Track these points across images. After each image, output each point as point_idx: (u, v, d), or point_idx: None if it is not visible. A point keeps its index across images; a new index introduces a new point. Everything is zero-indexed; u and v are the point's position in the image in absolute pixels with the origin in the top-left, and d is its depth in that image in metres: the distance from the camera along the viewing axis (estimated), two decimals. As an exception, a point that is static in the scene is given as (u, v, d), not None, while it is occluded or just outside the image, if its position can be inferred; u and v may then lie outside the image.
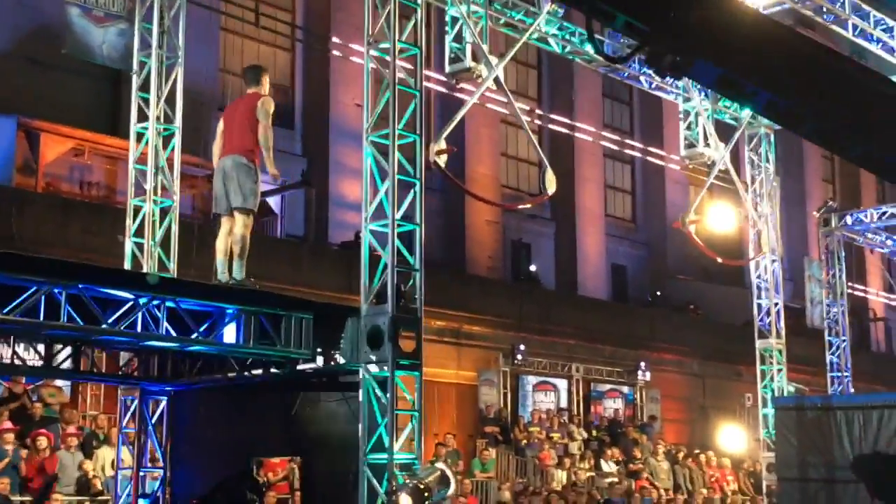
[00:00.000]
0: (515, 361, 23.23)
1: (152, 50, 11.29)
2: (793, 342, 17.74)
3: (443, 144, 11.19)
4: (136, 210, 11.33)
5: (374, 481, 8.95)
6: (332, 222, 24.88)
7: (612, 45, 14.63)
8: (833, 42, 16.56)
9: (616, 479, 20.94)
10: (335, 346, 9.26)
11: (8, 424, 14.12)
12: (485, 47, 12.33)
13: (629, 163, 34.91)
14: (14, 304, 7.64)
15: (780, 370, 17.01)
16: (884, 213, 21.68)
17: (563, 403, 24.33)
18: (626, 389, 25.80)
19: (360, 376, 9.10)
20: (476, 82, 12.59)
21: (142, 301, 8.21)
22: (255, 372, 10.06)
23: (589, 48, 14.27)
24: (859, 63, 6.41)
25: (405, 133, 9.55)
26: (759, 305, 17.23)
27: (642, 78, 15.75)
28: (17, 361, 10.58)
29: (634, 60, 14.68)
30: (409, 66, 9.82)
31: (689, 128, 15.72)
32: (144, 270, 10.93)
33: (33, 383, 15.39)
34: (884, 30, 15.72)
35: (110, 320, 8.06)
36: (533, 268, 29.87)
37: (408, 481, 8.57)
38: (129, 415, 11.38)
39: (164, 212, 11.33)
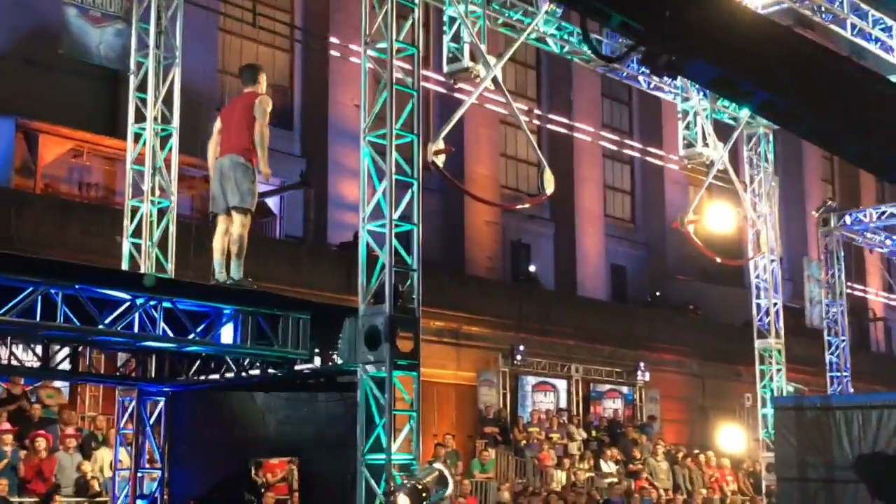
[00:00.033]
0: (515, 362, 23.22)
1: (149, 50, 11.28)
2: (792, 342, 17.73)
3: (441, 144, 11.16)
4: (134, 211, 11.32)
5: (372, 482, 8.93)
6: (330, 223, 24.87)
7: (610, 45, 14.62)
8: (832, 42, 16.55)
9: (615, 480, 20.93)
10: (333, 347, 9.25)
11: (6, 426, 14.11)
12: (483, 47, 12.31)
13: (628, 163, 34.91)
14: (10, 304, 7.63)
15: (779, 370, 17.01)
16: (883, 213, 21.67)
17: (563, 404, 24.32)
18: (625, 390, 25.78)
19: (358, 377, 9.09)
20: (474, 82, 12.57)
21: (139, 301, 8.20)
22: (252, 372, 10.04)
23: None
24: (858, 63, 6.40)
25: (403, 133, 9.54)
26: (759, 305, 17.22)
27: (641, 78, 15.73)
28: (14, 362, 10.57)
29: (632, 60, 14.67)
30: (406, 65, 9.81)
31: (687, 127, 15.69)
32: (142, 271, 10.92)
33: (32, 384, 15.38)
34: (882, 29, 15.70)
35: (107, 321, 8.04)
36: (532, 268, 29.87)
37: (406, 482, 8.55)
38: (126, 416, 11.36)
39: (162, 212, 11.32)
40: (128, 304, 8.15)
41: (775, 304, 17.13)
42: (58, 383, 15.60)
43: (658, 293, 32.20)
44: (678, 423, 26.99)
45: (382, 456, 8.92)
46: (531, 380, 24.05)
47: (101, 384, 15.32)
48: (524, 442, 21.54)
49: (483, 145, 29.03)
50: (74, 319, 7.88)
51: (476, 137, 28.59)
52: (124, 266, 11.01)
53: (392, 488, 8.66)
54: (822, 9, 15.09)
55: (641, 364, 25.67)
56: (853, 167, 31.59)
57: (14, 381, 14.85)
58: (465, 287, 24.06)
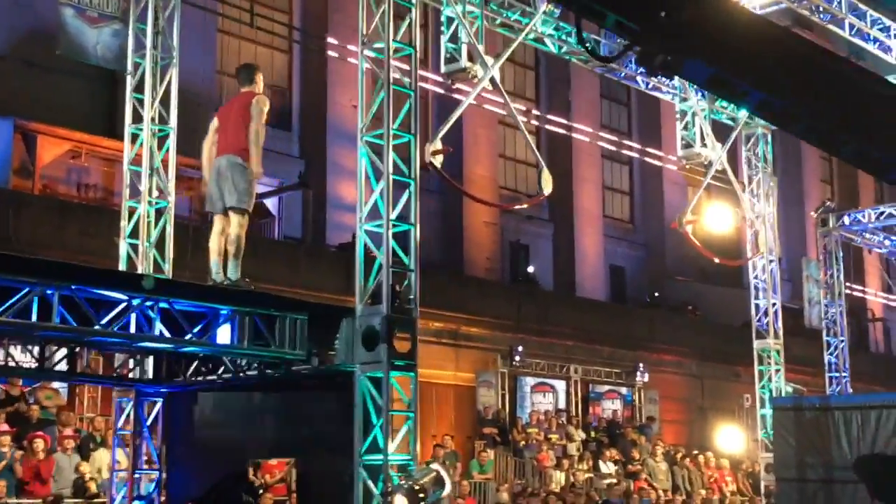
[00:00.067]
0: (513, 363, 23.21)
1: (147, 51, 11.26)
2: (791, 342, 17.72)
3: (438, 145, 11.17)
4: (131, 211, 11.30)
5: (370, 482, 8.92)
6: (329, 224, 24.86)
7: (608, 46, 14.61)
8: (830, 43, 16.55)
9: (614, 480, 20.92)
10: (330, 347, 9.24)
11: (5, 427, 14.09)
12: (480, 47, 12.31)
13: (627, 164, 34.91)
14: (6, 305, 7.60)
15: (777, 371, 17.00)
16: (882, 214, 21.68)
17: (562, 404, 24.30)
18: (624, 390, 25.77)
19: (355, 377, 9.07)
20: (472, 82, 12.57)
21: (135, 302, 8.18)
22: (250, 373, 10.02)
23: (593, 50, 14.26)
24: (855, 63, 6.39)
25: (400, 133, 9.53)
26: (757, 306, 17.22)
27: (639, 78, 15.72)
28: (11, 364, 10.56)
29: (630, 60, 14.66)
30: (404, 66, 9.80)
31: (685, 128, 15.70)
32: (139, 272, 10.90)
33: (30, 385, 15.37)
34: (881, 29, 15.71)
35: (104, 321, 8.02)
36: (531, 269, 29.86)
37: (403, 482, 8.54)
38: (124, 417, 11.34)
39: (160, 213, 11.30)
40: (124, 304, 8.13)
41: (774, 305, 17.13)
42: (56, 384, 15.59)
43: (657, 294, 32.21)
44: (677, 424, 26.98)
45: (380, 456, 8.91)
46: (530, 380, 24.03)
47: (99, 385, 15.30)
48: (523, 443, 21.53)
49: (482, 146, 29.03)
50: (71, 320, 7.86)
51: (475, 138, 28.59)
52: (122, 267, 10.99)
53: (389, 489, 8.65)
54: (821, 9, 15.09)
55: (640, 365, 25.66)
56: (852, 168, 31.58)
57: (12, 382, 14.84)
58: (464, 288, 24.05)
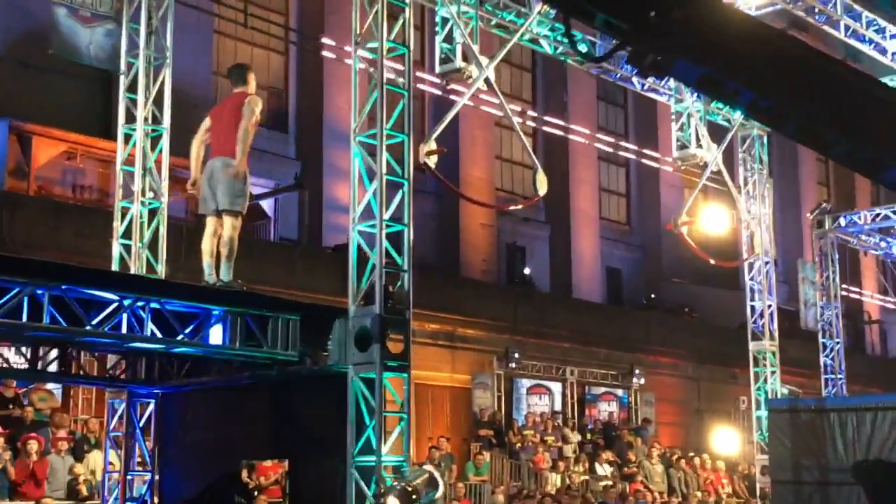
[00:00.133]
0: (510, 364, 23.18)
1: (140, 51, 11.23)
2: (787, 345, 17.74)
3: (433, 145, 11.15)
4: (124, 212, 11.27)
5: (362, 484, 8.89)
6: (325, 225, 24.82)
7: (604, 47, 14.60)
8: (826, 45, 16.54)
9: (610, 483, 20.88)
10: (323, 348, 9.21)
11: (-2, 429, 14.06)
12: (475, 48, 12.30)
13: (623, 166, 34.90)
14: (-3, 305, 7.59)
15: (773, 372, 16.98)
16: (877, 216, 21.68)
17: (558, 406, 24.26)
18: (620, 392, 25.74)
19: (348, 378, 9.04)
20: (467, 83, 12.56)
21: (126, 302, 8.15)
22: (243, 374, 9.99)
23: (580, 48, 14.25)
24: (849, 66, 6.37)
25: (393, 133, 9.51)
26: (753, 307, 17.21)
27: (635, 79, 15.71)
28: (3, 365, 10.52)
29: (626, 61, 14.63)
30: (397, 65, 9.79)
31: (681, 129, 15.70)
32: (132, 272, 10.87)
33: (25, 387, 15.32)
34: (876, 30, 15.69)
35: (94, 322, 7.99)
36: (527, 271, 29.84)
37: (395, 484, 8.51)
38: (116, 418, 11.30)
39: (153, 213, 11.27)
40: (115, 304, 8.10)
41: (770, 307, 17.12)
42: (50, 386, 15.54)
43: (653, 296, 32.19)
44: (673, 426, 26.95)
45: (373, 458, 8.88)
46: (526, 382, 24.00)
47: (91, 386, 15.25)
48: (519, 445, 21.50)
49: (478, 147, 29.02)
50: (61, 320, 7.83)
51: (471, 140, 28.58)
52: (114, 268, 10.96)
53: (382, 490, 8.62)
54: (816, 10, 15.08)
55: (637, 367, 25.64)
56: (849, 170, 31.58)
57: (6, 384, 14.79)
58: (460, 289, 24.01)
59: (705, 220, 16.31)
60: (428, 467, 9.16)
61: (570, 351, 24.87)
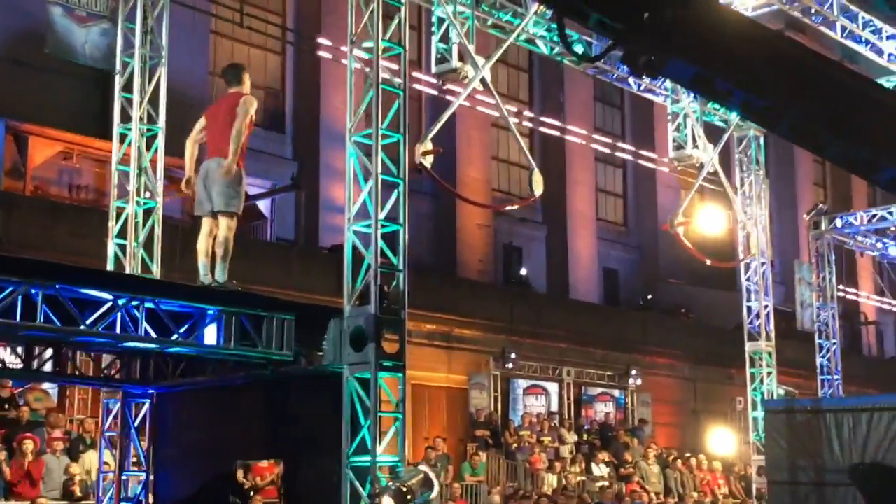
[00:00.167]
0: (506, 365, 23.17)
1: (135, 50, 11.21)
2: (783, 345, 17.73)
3: (429, 145, 11.13)
4: (120, 211, 11.25)
5: (357, 484, 8.88)
6: (322, 226, 24.80)
7: (600, 47, 14.58)
8: (823, 46, 16.55)
9: (607, 483, 20.89)
10: (318, 348, 9.19)
11: (-7, 429, 14.04)
12: (471, 48, 12.28)
13: (620, 166, 34.92)
14: (-10, 304, 7.57)
15: (769, 373, 16.98)
16: (874, 216, 21.68)
17: (554, 407, 24.26)
18: (617, 393, 25.74)
19: (343, 378, 9.03)
20: (463, 83, 12.55)
21: (120, 302, 8.13)
22: (238, 373, 9.97)
23: (576, 49, 14.24)
24: (845, 66, 6.37)
25: (389, 133, 9.50)
26: (749, 308, 17.20)
27: (631, 79, 15.70)
28: (-3, 364, 10.51)
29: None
30: (393, 65, 9.77)
31: (677, 129, 15.68)
32: (127, 272, 10.85)
33: (21, 387, 15.30)
34: (872, 31, 15.69)
35: (88, 321, 7.97)
36: (524, 271, 29.83)
37: (390, 484, 8.50)
38: (111, 418, 11.28)
39: (148, 213, 11.26)
40: (109, 304, 8.08)
41: (766, 307, 17.11)
42: (46, 386, 15.53)
43: (650, 296, 32.20)
44: (670, 427, 26.95)
45: (367, 458, 8.86)
46: (522, 383, 23.99)
47: (87, 386, 15.23)
48: (515, 445, 21.49)
49: (475, 148, 29.02)
50: (55, 320, 7.81)
51: (468, 140, 28.58)
52: (110, 268, 10.94)
53: (377, 490, 8.60)
54: (812, 11, 15.08)
55: (633, 368, 25.63)
56: (846, 171, 31.59)
57: (2, 384, 14.77)
58: (457, 290, 24.00)
59: (701, 221, 16.30)
60: (423, 467, 9.14)
61: (566, 351, 24.87)
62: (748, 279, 17.30)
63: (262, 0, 24.87)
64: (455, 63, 12.33)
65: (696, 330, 29.14)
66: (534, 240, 31.66)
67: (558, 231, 31.69)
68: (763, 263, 17.24)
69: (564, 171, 31.28)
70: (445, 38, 12.45)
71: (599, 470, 21.55)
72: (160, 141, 11.33)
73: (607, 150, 32.33)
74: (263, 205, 24.68)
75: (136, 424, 11.11)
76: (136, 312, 8.21)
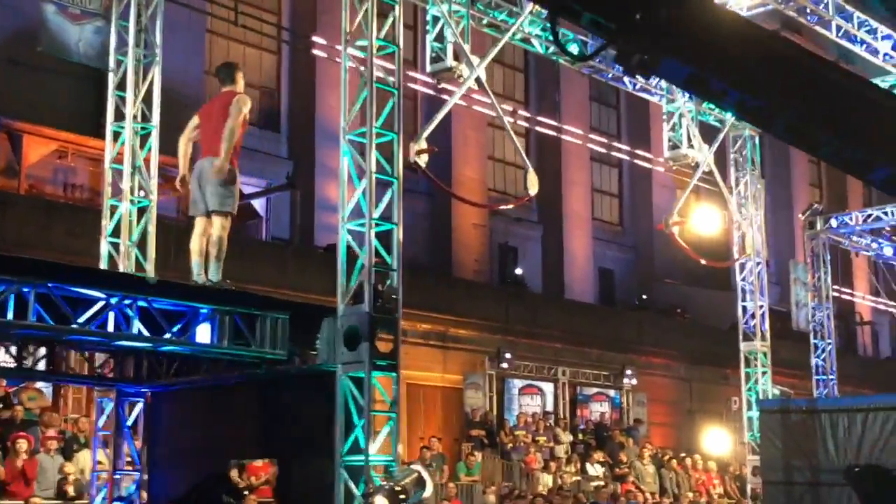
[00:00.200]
0: (501, 365, 23.15)
1: (129, 48, 11.17)
2: (779, 345, 17.72)
3: (423, 144, 11.13)
4: (113, 210, 11.22)
5: (351, 483, 8.86)
6: (317, 225, 24.78)
7: (595, 46, 14.57)
8: (819, 47, 16.53)
9: (602, 483, 20.88)
10: (312, 347, 9.17)
11: (-14, 428, 14.00)
12: (466, 47, 12.27)
13: (616, 166, 34.92)
14: (-19, 303, 7.54)
15: (764, 373, 16.98)
16: (869, 216, 21.67)
17: (549, 407, 24.25)
18: (612, 393, 25.73)
19: (337, 377, 9.01)
20: (458, 82, 12.53)
21: (113, 300, 8.10)
22: (232, 372, 9.95)
23: (570, 48, 14.24)
24: (841, 67, 6.36)
25: (383, 132, 9.48)
26: (744, 308, 17.20)
27: (626, 79, 15.70)
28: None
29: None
30: (387, 64, 9.76)
31: (673, 129, 15.68)
32: (121, 271, 10.82)
33: (15, 386, 15.26)
34: (868, 31, 15.70)
35: (81, 320, 7.94)
36: (519, 271, 29.82)
37: (384, 483, 8.49)
38: (105, 417, 11.25)
39: (142, 212, 11.22)
40: (102, 302, 8.05)
41: (761, 307, 17.11)
42: (40, 385, 15.49)
43: (645, 296, 32.20)
44: (665, 427, 26.94)
45: (361, 457, 8.85)
46: (518, 383, 23.98)
47: (79, 385, 15.20)
48: (511, 445, 21.47)
49: (471, 148, 29.01)
50: (48, 318, 7.78)
51: (464, 140, 28.56)
52: (103, 266, 10.90)
53: (370, 490, 8.59)
54: (808, 10, 15.08)
55: (628, 367, 25.63)
56: (841, 171, 31.59)
57: (-4, 383, 14.74)
58: (452, 290, 23.99)
59: (697, 221, 16.31)
60: (416, 467, 9.13)
61: (562, 351, 24.85)
62: (743, 279, 17.30)
63: (258, -1, 24.86)
64: (450, 62, 12.32)
65: (691, 330, 29.14)
66: (529, 239, 31.65)
67: (554, 231, 31.68)
68: (758, 263, 17.24)
69: (560, 171, 31.28)
70: (440, 37, 12.44)
71: (595, 470, 21.55)
72: (154, 140, 11.29)
73: (603, 150, 32.34)
74: (258, 204, 24.65)
75: (129, 423, 11.08)
76: (128, 311, 8.18)
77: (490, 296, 24.94)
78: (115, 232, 11.15)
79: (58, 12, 10.74)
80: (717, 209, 17.35)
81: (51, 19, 10.71)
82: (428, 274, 23.70)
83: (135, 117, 11.20)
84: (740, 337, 17.15)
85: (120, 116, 11.28)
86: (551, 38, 14.27)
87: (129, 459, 11.16)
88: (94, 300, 8.04)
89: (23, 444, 13.79)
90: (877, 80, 14.58)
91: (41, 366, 10.29)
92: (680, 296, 31.78)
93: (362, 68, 9.58)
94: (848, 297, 35.32)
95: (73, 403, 16.73)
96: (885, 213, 21.30)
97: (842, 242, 22.55)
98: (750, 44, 5.49)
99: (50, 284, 7.73)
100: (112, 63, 11.24)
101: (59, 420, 15.80)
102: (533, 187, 12.18)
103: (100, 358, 10.96)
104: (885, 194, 7.29)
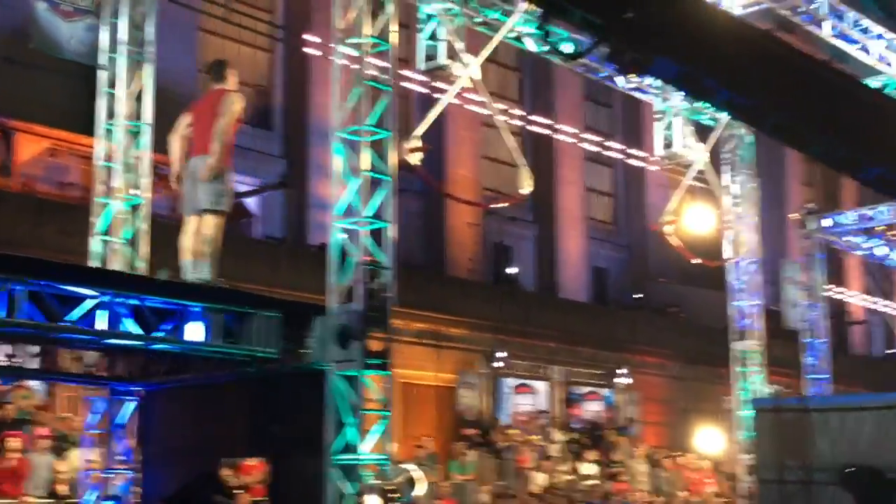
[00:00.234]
0: (495, 364, 23.15)
1: (121, 45, 11.13)
2: (772, 345, 17.72)
3: (417, 142, 11.12)
4: (102, 208, 11.18)
5: (342, 482, 8.84)
6: (311, 223, 24.77)
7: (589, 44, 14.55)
8: (813, 46, 16.54)
9: (595, 482, 20.88)
10: (303, 345, 9.15)
11: (-22, 427, 13.94)
12: (460, 45, 12.26)
13: (610, 165, 34.92)
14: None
15: (757, 372, 16.99)
16: (862, 216, 21.67)
17: (543, 406, 24.26)
18: (605, 392, 25.74)
19: (329, 376, 8.99)
20: (451, 81, 12.52)
21: (105, 298, 8.07)
22: (225, 370, 9.92)
23: (565, 47, 14.21)
24: (833, 66, 6.37)
25: (376, 129, 9.47)
26: (737, 307, 17.20)
27: (618, 79, 15.67)
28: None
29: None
30: (380, 62, 9.74)
31: (667, 128, 15.69)
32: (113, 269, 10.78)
33: (7, 384, 15.22)
34: (861, 31, 15.71)
35: (72, 317, 7.91)
36: (513, 270, 29.83)
37: (375, 482, 8.47)
38: (98, 415, 11.21)
39: (134, 210, 11.18)
40: (93, 300, 8.02)
41: (754, 306, 17.12)
42: (33, 384, 15.45)
43: (639, 295, 32.23)
44: (659, 426, 26.97)
45: (353, 456, 8.83)
46: (511, 382, 23.98)
47: (73, 384, 15.14)
48: (504, 444, 21.46)
49: (464, 147, 29.01)
50: (38, 316, 7.74)
51: (457, 139, 28.57)
52: (94, 264, 10.86)
53: (362, 489, 8.57)
54: (800, 10, 15.08)
55: (622, 366, 25.64)
56: (834, 171, 31.61)
57: (-13, 381, 14.70)
58: (446, 288, 23.98)
59: (690, 220, 16.32)
60: (408, 466, 9.12)
61: (555, 350, 24.87)
62: (737, 278, 17.30)
63: (251, -3, 24.83)
64: (443, 60, 12.31)
65: (685, 329, 29.16)
66: (523, 239, 31.65)
67: (548, 230, 31.69)
68: (751, 262, 17.25)
69: (554, 170, 31.30)
70: (434, 36, 12.42)
71: (588, 469, 21.54)
72: (146, 137, 11.25)
73: (597, 149, 32.33)
74: (252, 202, 24.62)
75: (121, 422, 11.04)
76: (120, 309, 8.15)
77: (484, 295, 24.93)
78: (109, 230, 11.10)
79: (49, 9, 10.71)
80: (711, 208, 17.36)
81: (42, 16, 10.68)
82: (421, 273, 23.71)
83: (127, 115, 11.16)
84: (732, 336, 17.15)
85: (112, 114, 11.23)
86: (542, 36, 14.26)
87: (120, 458, 11.12)
88: (86, 298, 8.00)
89: (14, 443, 13.75)
90: (869, 80, 14.60)
91: (34, 364, 10.25)
92: (674, 295, 31.81)
93: (355, 66, 9.56)
94: (840, 297, 35.35)
95: (66, 402, 16.69)
96: (878, 213, 21.31)
97: (834, 242, 22.56)
98: (741, 43, 5.49)
99: (41, 282, 7.69)
100: (104, 60, 11.19)
101: (52, 419, 15.76)
102: (527, 186, 12.17)
103: (93, 356, 10.92)
104: (879, 193, 7.30)
